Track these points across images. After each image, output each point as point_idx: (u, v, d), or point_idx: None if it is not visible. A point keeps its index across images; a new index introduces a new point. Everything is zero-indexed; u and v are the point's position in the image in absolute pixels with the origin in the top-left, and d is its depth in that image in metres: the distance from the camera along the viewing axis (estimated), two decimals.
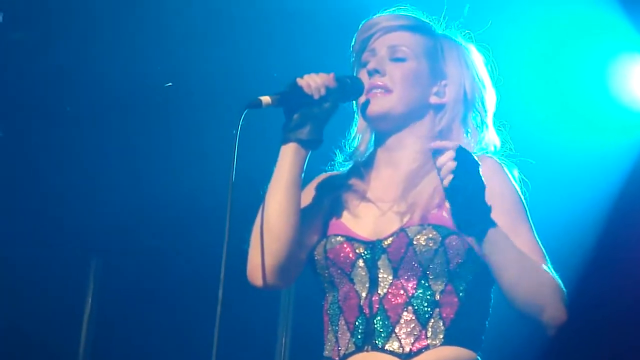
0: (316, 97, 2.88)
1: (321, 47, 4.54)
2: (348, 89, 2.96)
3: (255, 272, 2.91)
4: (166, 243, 5.75)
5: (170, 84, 5.03)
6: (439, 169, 2.68)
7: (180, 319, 5.71)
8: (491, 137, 3.07)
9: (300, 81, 2.89)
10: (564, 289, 2.83)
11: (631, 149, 5.21)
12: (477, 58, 3.10)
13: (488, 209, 2.72)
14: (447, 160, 2.66)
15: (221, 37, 4.94)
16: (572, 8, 4.87)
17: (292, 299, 5.61)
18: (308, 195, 3.03)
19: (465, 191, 2.68)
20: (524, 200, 2.95)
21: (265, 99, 2.85)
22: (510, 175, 2.95)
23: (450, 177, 2.65)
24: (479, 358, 2.88)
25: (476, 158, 2.73)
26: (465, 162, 2.67)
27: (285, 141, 2.91)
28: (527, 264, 2.79)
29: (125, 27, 4.90)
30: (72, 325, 5.85)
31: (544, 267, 2.82)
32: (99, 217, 5.64)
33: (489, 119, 3.07)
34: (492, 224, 2.74)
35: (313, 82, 2.88)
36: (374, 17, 3.10)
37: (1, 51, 4.96)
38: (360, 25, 3.11)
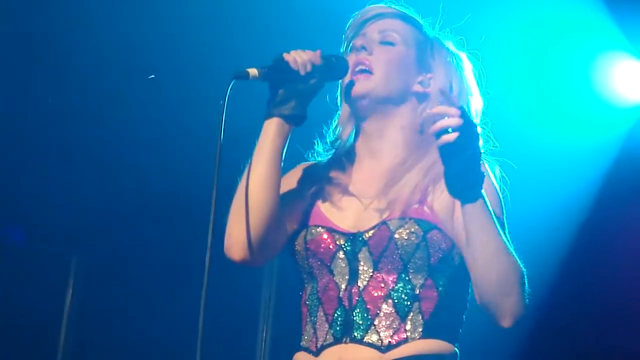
0: (302, 73, 2.89)
1: (310, 34, 4.54)
2: (333, 67, 2.96)
3: (233, 245, 2.90)
4: (147, 239, 5.73)
5: (152, 76, 5.01)
6: (439, 132, 2.62)
7: (161, 315, 5.69)
8: None
9: (287, 56, 2.90)
10: (526, 284, 2.81)
11: (613, 145, 5.24)
12: (466, 65, 3.11)
13: (481, 176, 2.69)
14: (452, 122, 2.62)
15: (206, 14, 4.93)
16: (555, 6, 4.88)
17: (273, 290, 5.60)
18: (289, 182, 3.04)
19: (464, 155, 2.64)
20: (502, 200, 2.94)
21: (252, 72, 2.86)
22: (491, 175, 2.95)
23: (455, 135, 2.61)
24: (457, 350, 2.89)
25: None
26: (467, 126, 2.63)
27: (269, 116, 2.92)
28: (503, 243, 2.76)
29: (108, 11, 4.89)
30: (51, 324, 5.82)
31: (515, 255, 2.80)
32: (79, 214, 5.63)
33: (475, 121, 3.05)
34: (480, 194, 2.70)
35: (299, 58, 2.88)
36: (368, 6, 3.12)
37: None
38: (355, 14, 3.12)
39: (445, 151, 2.65)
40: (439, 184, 2.89)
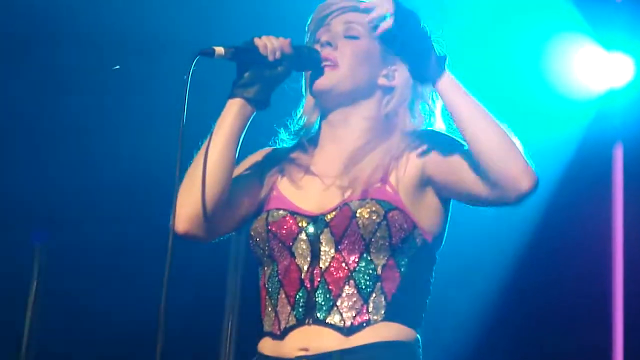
0: (270, 59, 2.95)
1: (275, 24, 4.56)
2: (304, 58, 3.02)
3: (177, 217, 2.92)
4: (114, 226, 5.72)
5: (117, 67, 5.01)
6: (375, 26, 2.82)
7: (125, 307, 5.67)
8: (439, 127, 3.10)
9: (258, 41, 2.95)
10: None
11: (570, 141, 5.10)
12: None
13: (443, 58, 2.85)
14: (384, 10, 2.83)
15: None
16: None
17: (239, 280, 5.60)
18: (248, 165, 3.09)
19: (413, 42, 2.78)
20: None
21: (219, 50, 2.90)
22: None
23: (390, 20, 2.79)
24: (419, 337, 2.92)
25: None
26: (405, 15, 2.80)
27: (232, 96, 2.98)
28: (487, 113, 2.86)
29: None
30: (15, 317, 5.79)
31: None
32: (42, 201, 5.61)
33: (438, 110, 3.11)
34: (445, 72, 2.84)
35: (270, 44, 2.95)
36: None
37: None
38: (317, 6, 3.16)
39: (387, 37, 2.84)
40: (401, 160, 2.96)
